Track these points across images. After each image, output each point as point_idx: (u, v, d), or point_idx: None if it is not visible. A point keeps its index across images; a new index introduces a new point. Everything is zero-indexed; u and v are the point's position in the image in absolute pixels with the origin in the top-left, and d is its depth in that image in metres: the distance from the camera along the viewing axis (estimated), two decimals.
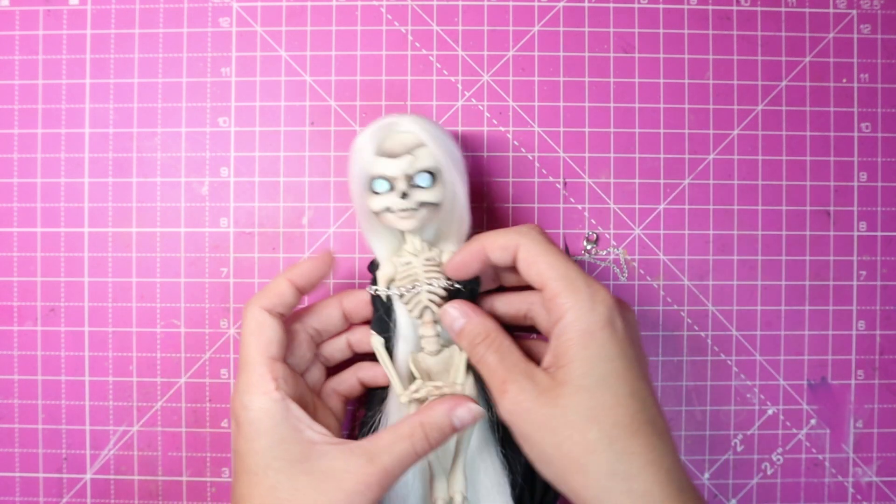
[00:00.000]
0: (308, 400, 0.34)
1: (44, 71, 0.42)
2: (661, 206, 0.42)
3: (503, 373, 0.30)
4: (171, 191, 0.42)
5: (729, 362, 0.42)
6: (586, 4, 0.42)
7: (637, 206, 0.42)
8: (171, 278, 0.42)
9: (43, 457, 0.42)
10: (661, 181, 0.42)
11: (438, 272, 0.34)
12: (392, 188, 0.33)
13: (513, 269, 0.33)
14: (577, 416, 0.28)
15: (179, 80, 0.42)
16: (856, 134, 0.42)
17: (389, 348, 0.35)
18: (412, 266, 0.34)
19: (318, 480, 0.29)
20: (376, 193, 0.33)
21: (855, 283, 0.42)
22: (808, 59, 0.42)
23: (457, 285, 0.34)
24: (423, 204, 0.33)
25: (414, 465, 0.31)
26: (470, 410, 0.32)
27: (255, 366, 0.31)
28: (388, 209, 0.33)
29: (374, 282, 0.36)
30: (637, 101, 0.42)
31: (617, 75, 0.42)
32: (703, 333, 0.42)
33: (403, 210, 0.33)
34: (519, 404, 0.29)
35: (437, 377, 0.35)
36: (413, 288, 0.34)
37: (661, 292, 0.42)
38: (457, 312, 0.33)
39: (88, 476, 0.42)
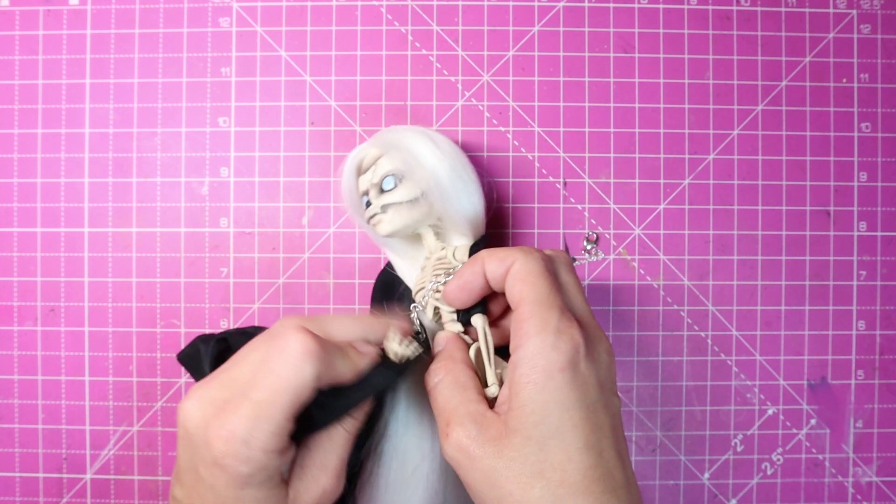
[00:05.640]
0: None
1: (44, 71, 0.42)
2: (661, 206, 0.42)
3: (448, 413, 0.28)
4: (171, 191, 0.42)
5: (729, 362, 0.42)
6: (586, 4, 0.42)
7: (637, 206, 0.42)
8: (171, 278, 0.42)
9: (43, 457, 0.42)
10: (661, 181, 0.42)
11: (448, 271, 0.33)
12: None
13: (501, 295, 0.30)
14: (522, 471, 0.26)
15: (179, 80, 0.42)
16: (856, 134, 0.42)
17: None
18: (424, 270, 0.34)
19: None
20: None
21: (855, 283, 0.42)
22: (808, 59, 0.42)
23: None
24: (387, 206, 0.34)
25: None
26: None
27: (279, 413, 0.26)
28: (366, 222, 0.35)
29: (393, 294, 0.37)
30: (637, 101, 0.42)
31: (617, 75, 0.42)
32: (703, 333, 0.42)
33: (372, 217, 0.34)
34: (462, 451, 0.27)
35: None
36: (422, 295, 0.34)
37: (661, 292, 0.42)
38: (440, 339, 0.32)
39: (88, 476, 0.42)
